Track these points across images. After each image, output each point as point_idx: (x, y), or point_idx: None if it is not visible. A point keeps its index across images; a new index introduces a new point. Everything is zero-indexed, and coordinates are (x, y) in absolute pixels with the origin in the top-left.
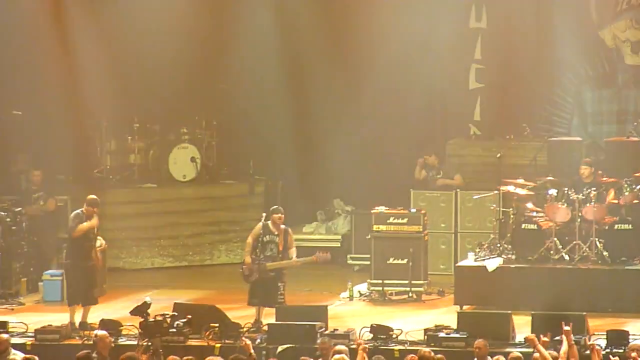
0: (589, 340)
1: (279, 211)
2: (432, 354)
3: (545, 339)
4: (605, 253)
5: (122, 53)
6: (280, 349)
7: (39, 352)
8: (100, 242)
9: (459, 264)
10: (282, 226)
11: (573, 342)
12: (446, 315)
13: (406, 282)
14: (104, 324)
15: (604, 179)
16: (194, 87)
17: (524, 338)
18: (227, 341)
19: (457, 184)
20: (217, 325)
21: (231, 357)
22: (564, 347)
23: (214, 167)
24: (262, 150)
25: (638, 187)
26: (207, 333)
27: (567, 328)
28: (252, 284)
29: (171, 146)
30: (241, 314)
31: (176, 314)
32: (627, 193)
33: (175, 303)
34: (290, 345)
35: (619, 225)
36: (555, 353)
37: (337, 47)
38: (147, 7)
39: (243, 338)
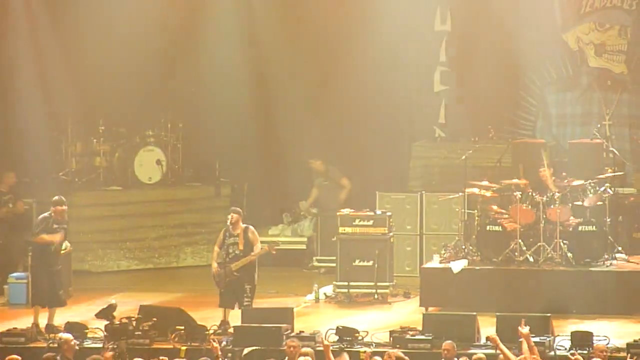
0: (554, 341)
1: (233, 211)
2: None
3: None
4: (569, 254)
5: (87, 55)
6: (246, 351)
7: (4, 356)
8: (65, 245)
9: (425, 265)
10: (242, 225)
11: (533, 344)
12: (412, 317)
13: (372, 284)
14: (70, 326)
15: (568, 181)
16: (159, 89)
17: (486, 337)
18: (193, 344)
19: (347, 189)
20: (183, 327)
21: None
22: (525, 348)
23: (180, 170)
24: (228, 153)
25: (602, 189)
26: (173, 336)
27: (524, 330)
28: (223, 287)
29: (137, 149)
30: (207, 316)
31: (142, 316)
32: (591, 195)
33: (141, 306)
34: (256, 347)
35: (583, 226)
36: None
37: (303, 50)
38: (114, 10)
39: (211, 340)
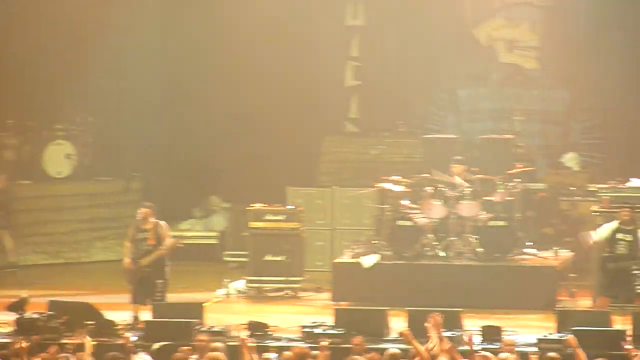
0: (464, 336)
1: (144, 206)
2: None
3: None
4: (479, 249)
5: None
6: (155, 346)
7: None
8: None
9: (336, 260)
10: (153, 220)
11: (443, 337)
12: (323, 312)
13: (283, 278)
14: None
15: (478, 176)
16: (69, 83)
17: (399, 333)
18: (102, 339)
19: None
20: (92, 323)
21: (109, 355)
22: (434, 341)
23: (90, 164)
24: (138, 147)
25: (512, 184)
26: (82, 331)
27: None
28: (135, 283)
29: (46, 142)
30: (117, 311)
31: (51, 311)
32: (501, 190)
33: (50, 301)
34: (166, 342)
35: (493, 221)
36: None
37: (215, 45)
38: (25, 2)
39: (126, 335)
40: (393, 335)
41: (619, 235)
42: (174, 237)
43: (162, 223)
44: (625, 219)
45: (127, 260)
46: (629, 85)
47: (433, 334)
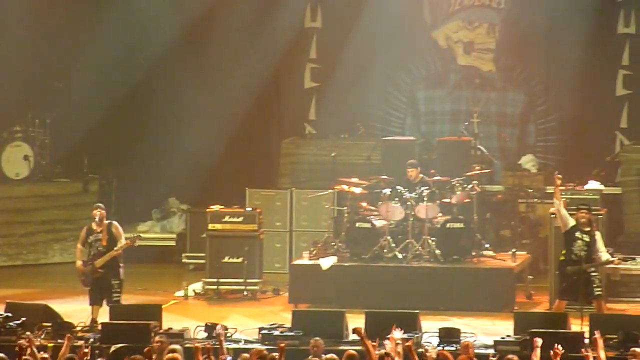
0: (422, 338)
1: (98, 207)
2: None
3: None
4: (437, 251)
5: None
6: (113, 348)
7: None
8: None
9: (294, 262)
10: (105, 222)
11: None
12: (281, 314)
13: (241, 280)
14: None
15: (436, 178)
16: (27, 84)
17: (352, 329)
18: (60, 341)
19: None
20: (50, 324)
21: (66, 357)
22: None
23: (48, 166)
24: (96, 149)
25: (469, 186)
26: (40, 332)
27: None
28: (90, 285)
29: (4, 144)
30: (75, 313)
31: (8, 313)
32: (458, 192)
33: (7, 302)
34: (124, 344)
35: (451, 223)
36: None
37: (174, 46)
38: None
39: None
40: (351, 336)
41: (577, 234)
42: (134, 235)
43: (115, 223)
44: (583, 221)
45: (79, 263)
46: (584, 88)
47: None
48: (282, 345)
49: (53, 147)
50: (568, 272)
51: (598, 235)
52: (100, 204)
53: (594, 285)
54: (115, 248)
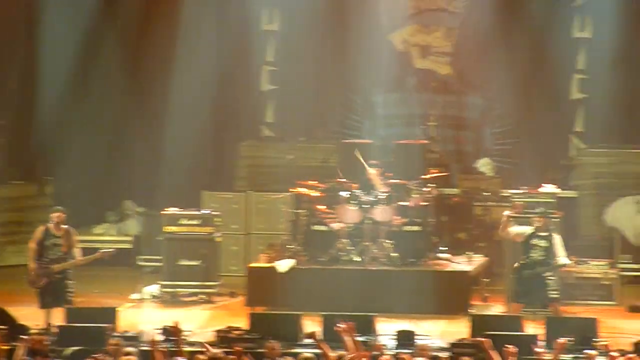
0: (377, 340)
1: (58, 210)
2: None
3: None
4: (394, 254)
5: None
6: (68, 351)
7: None
8: None
9: (251, 265)
10: (64, 226)
11: (355, 340)
12: (237, 317)
13: (198, 283)
14: None
15: (393, 180)
16: None
17: (307, 333)
18: (14, 344)
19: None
20: (5, 327)
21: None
22: (350, 345)
23: (2, 168)
24: (51, 151)
25: (426, 189)
26: None
27: (341, 326)
28: (41, 288)
29: None
30: (30, 316)
31: None
32: (415, 195)
33: None
34: (79, 347)
35: (408, 226)
36: (343, 352)
37: (130, 50)
38: None
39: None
40: (307, 339)
41: (534, 241)
42: (104, 250)
43: (73, 230)
44: (539, 225)
45: (32, 265)
46: (540, 91)
47: (347, 339)
48: (239, 349)
49: (8, 149)
50: (524, 276)
51: (556, 239)
52: (60, 208)
53: (549, 289)
54: (81, 258)
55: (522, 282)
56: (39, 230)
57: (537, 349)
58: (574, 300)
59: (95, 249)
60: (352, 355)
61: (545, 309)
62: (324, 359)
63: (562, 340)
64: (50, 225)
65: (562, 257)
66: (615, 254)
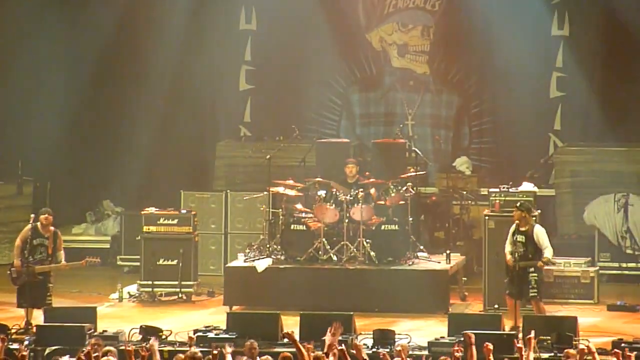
0: (356, 339)
1: (47, 212)
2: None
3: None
4: (372, 253)
5: None
6: (48, 350)
7: None
8: None
9: (229, 264)
10: (52, 228)
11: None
12: (216, 316)
13: (176, 283)
14: None
15: (371, 180)
16: None
17: (283, 333)
18: None
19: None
20: None
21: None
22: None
23: None
24: (30, 151)
25: (404, 188)
26: None
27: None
28: (21, 286)
29: None
30: (9, 316)
31: None
32: (393, 194)
33: None
34: (59, 347)
35: (386, 225)
36: (320, 353)
37: (110, 49)
38: None
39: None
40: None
41: (515, 239)
42: (88, 259)
43: (59, 232)
44: (517, 221)
45: (17, 263)
46: (518, 89)
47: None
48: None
49: None
50: (509, 269)
51: (537, 232)
52: (49, 209)
53: (530, 287)
54: (66, 264)
55: (507, 274)
56: (27, 229)
57: (518, 345)
58: (553, 299)
59: (75, 249)
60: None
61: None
62: (301, 358)
63: (531, 335)
64: (38, 225)
65: (546, 249)
66: (595, 252)
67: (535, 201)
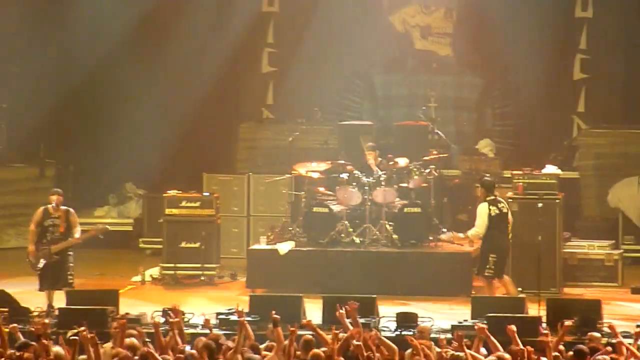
0: (379, 322)
1: (56, 192)
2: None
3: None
4: (394, 236)
5: None
6: (70, 333)
7: None
8: None
9: (251, 247)
10: (63, 207)
11: (357, 322)
12: (238, 299)
13: (198, 265)
14: None
15: (394, 162)
16: None
17: (302, 323)
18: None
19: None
20: (6, 310)
21: (20, 343)
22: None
23: (4, 151)
24: (53, 134)
25: (427, 171)
26: None
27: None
28: (42, 270)
29: None
30: (31, 298)
31: None
32: (416, 177)
33: None
34: (81, 329)
35: (408, 208)
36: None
37: (130, 31)
38: None
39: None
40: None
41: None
42: (99, 227)
43: (72, 211)
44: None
45: (31, 247)
46: (541, 72)
47: (348, 322)
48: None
49: (9, 132)
50: None
51: (479, 208)
52: (58, 190)
53: (487, 266)
54: (77, 237)
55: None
56: (38, 212)
57: (543, 331)
58: (577, 282)
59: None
60: (347, 333)
61: (546, 291)
62: (323, 344)
63: (568, 322)
64: (49, 207)
65: (472, 228)
66: (619, 235)
67: (558, 184)
